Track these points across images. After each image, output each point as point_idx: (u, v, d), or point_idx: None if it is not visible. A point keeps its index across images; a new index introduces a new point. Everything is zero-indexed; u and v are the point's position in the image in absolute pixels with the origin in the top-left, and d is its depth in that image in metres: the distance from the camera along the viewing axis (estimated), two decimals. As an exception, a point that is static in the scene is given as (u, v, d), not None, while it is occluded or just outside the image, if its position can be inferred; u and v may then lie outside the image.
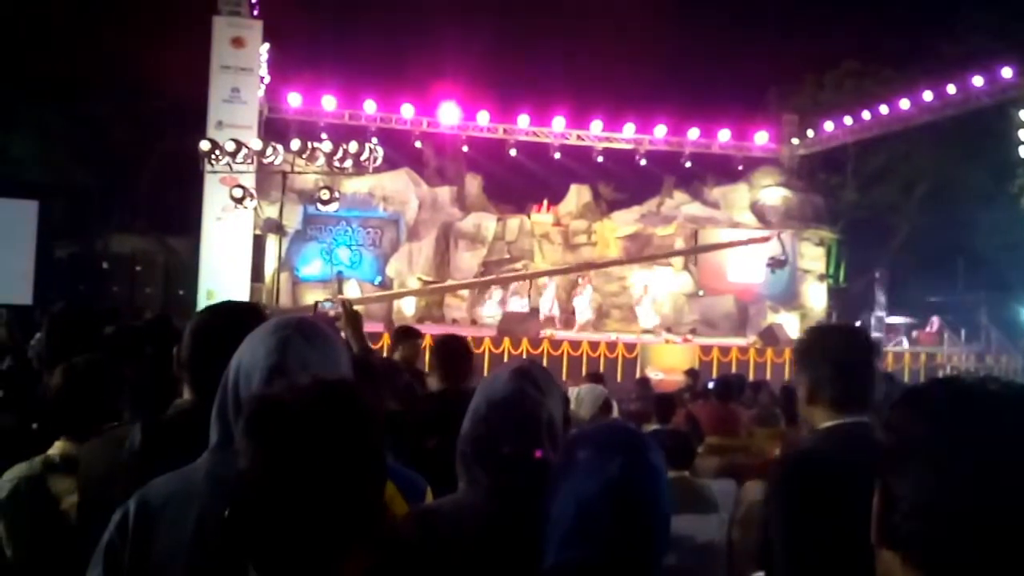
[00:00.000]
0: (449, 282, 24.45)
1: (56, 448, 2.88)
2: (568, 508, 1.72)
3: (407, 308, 24.19)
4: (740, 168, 27.87)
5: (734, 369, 18.80)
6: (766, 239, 24.61)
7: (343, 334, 5.30)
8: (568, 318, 24.01)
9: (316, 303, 20.22)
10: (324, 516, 1.39)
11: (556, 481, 1.78)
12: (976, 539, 0.97)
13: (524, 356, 17.51)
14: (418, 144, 25.66)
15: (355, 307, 5.47)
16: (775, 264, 25.02)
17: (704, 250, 26.05)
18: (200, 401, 2.26)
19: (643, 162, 26.89)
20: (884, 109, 24.30)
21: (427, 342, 7.41)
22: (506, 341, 18.45)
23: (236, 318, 2.35)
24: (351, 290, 23.06)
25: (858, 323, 24.53)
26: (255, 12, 21.60)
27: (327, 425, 1.42)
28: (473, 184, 27.39)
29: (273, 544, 1.38)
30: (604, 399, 6.16)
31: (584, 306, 24.66)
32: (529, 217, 27.00)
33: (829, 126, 26.68)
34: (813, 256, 27.47)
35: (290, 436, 1.40)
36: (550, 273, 23.91)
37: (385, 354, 8.22)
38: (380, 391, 3.82)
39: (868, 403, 2.59)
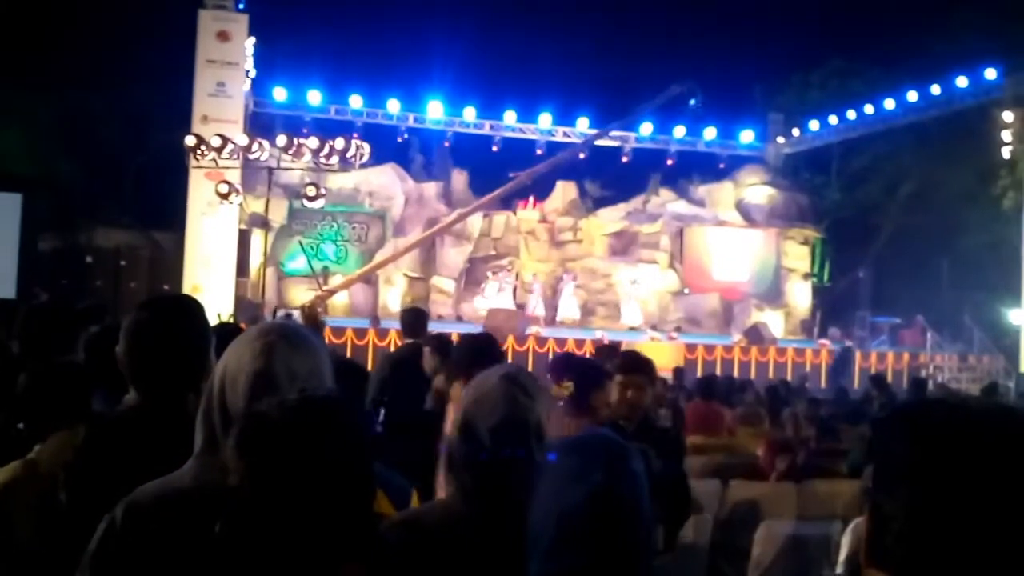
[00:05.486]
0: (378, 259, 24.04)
1: (34, 452, 2.85)
2: (550, 518, 1.71)
3: (392, 303, 24.11)
4: (725, 166, 27.93)
5: (719, 367, 18.82)
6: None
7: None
8: (552, 316, 24.08)
9: (275, 308, 20.17)
10: (316, 532, 1.40)
11: (536, 491, 1.77)
12: (972, 564, 0.96)
13: (508, 353, 17.48)
14: (403, 138, 25.62)
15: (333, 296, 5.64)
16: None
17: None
18: (143, 398, 2.26)
19: (628, 159, 26.91)
20: (869, 109, 24.39)
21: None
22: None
23: (167, 313, 2.36)
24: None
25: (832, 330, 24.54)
26: (240, 6, 21.47)
27: (317, 444, 1.43)
28: (459, 180, 27.31)
29: (265, 559, 1.38)
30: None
31: (567, 302, 24.67)
32: (515, 213, 26.92)
33: (814, 125, 26.75)
34: (797, 255, 27.54)
35: (281, 455, 1.41)
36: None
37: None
38: (364, 391, 3.82)
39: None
